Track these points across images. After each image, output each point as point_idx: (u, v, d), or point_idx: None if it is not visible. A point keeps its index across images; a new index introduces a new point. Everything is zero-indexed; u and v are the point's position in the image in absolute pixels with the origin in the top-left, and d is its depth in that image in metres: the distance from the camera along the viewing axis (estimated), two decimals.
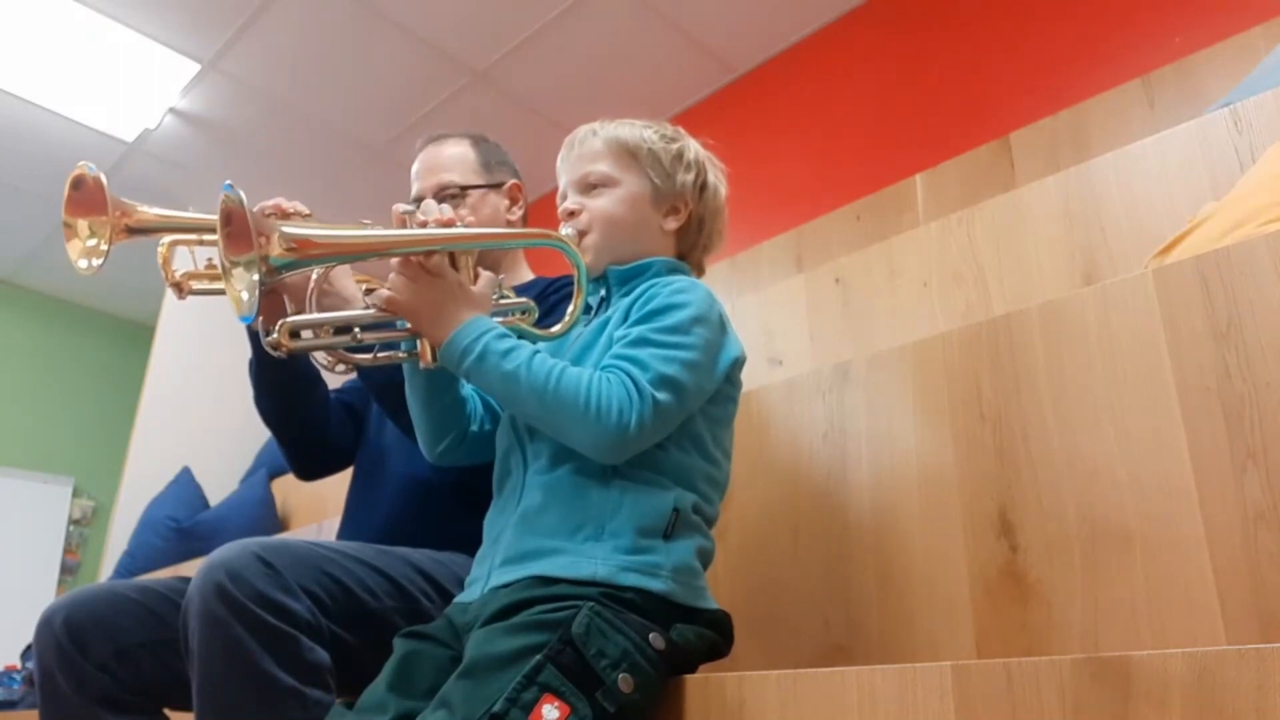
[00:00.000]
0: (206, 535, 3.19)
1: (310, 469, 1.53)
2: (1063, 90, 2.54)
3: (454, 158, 1.51)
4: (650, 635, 0.89)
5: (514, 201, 1.55)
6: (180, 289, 1.19)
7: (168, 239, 1.15)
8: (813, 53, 3.41)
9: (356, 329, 1.02)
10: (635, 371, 0.95)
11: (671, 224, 1.15)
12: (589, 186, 1.14)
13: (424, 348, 1.02)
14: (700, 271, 1.19)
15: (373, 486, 1.44)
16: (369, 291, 1.11)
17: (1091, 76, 2.50)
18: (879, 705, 0.74)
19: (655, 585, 0.92)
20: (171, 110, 3.77)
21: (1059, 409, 1.07)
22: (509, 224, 1.53)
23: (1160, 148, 1.51)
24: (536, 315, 1.11)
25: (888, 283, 1.85)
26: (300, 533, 2.74)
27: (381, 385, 1.27)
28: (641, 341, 0.98)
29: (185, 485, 3.50)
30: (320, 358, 1.09)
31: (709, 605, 0.98)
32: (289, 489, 3.37)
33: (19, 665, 3.40)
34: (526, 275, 1.55)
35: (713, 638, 0.98)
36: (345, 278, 1.20)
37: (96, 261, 1.07)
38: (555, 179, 1.19)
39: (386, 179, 4.03)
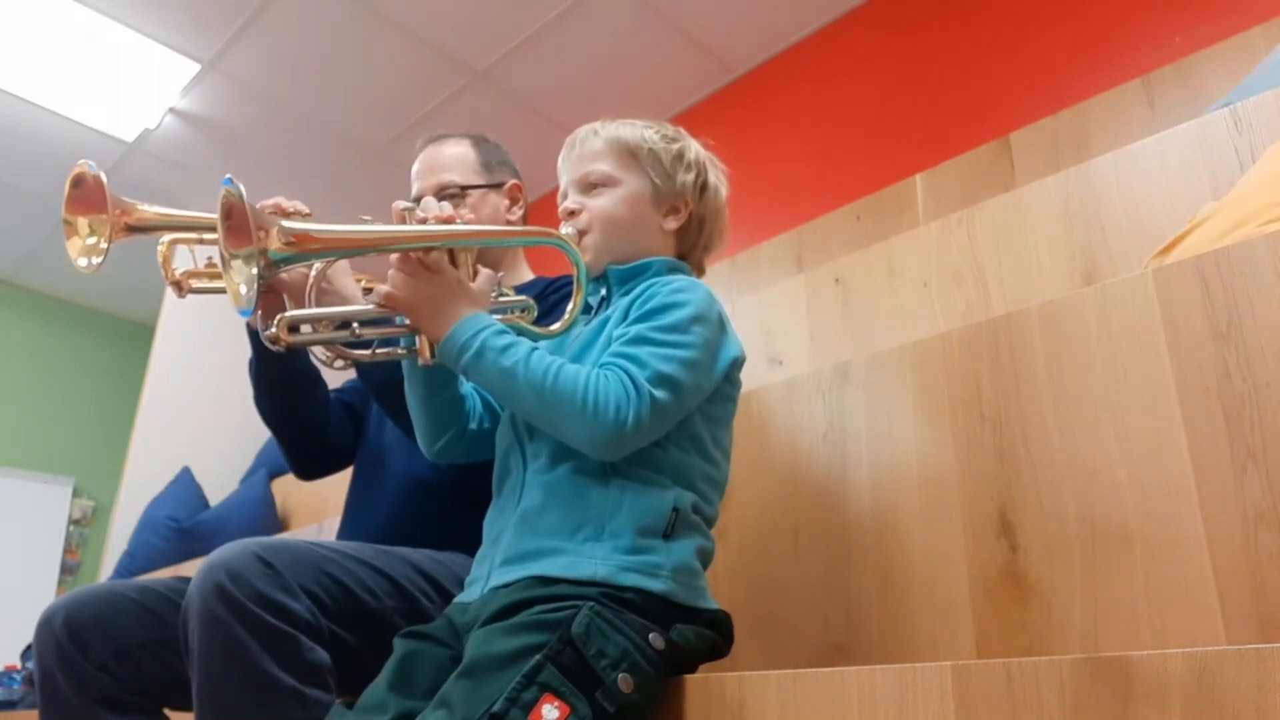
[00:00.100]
0: (206, 535, 3.19)
1: (310, 469, 1.53)
2: (1063, 90, 2.54)
3: (454, 158, 1.51)
4: (650, 635, 0.89)
5: (514, 201, 1.55)
6: (180, 287, 1.19)
7: (167, 237, 1.15)
8: (813, 53, 3.41)
9: (355, 324, 1.03)
10: (633, 369, 0.95)
11: (671, 224, 1.15)
12: (589, 186, 1.14)
13: (422, 344, 1.02)
14: (700, 271, 1.19)
15: (373, 486, 1.44)
16: (369, 291, 1.11)
17: (1091, 76, 2.51)
18: (879, 705, 0.74)
19: (655, 585, 0.92)
20: (171, 110, 3.77)
21: (1059, 409, 1.07)
22: (509, 224, 1.53)
23: (1160, 148, 1.51)
24: (536, 313, 1.11)
25: (888, 283, 1.85)
26: (300, 533, 2.74)
27: (381, 384, 1.27)
28: (640, 340, 0.98)
29: (185, 485, 3.49)
30: (319, 353, 1.09)
31: (709, 605, 0.98)
32: (289, 489, 3.37)
33: (19, 665, 3.40)
34: (526, 275, 1.55)
35: (713, 638, 0.98)
36: (345, 276, 1.20)
37: (96, 260, 1.07)
38: (555, 179, 1.20)
39: (386, 179, 4.03)
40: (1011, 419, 1.11)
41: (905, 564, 1.16)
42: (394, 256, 1.01)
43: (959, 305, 1.70)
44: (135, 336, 4.99)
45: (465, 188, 1.48)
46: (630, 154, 1.14)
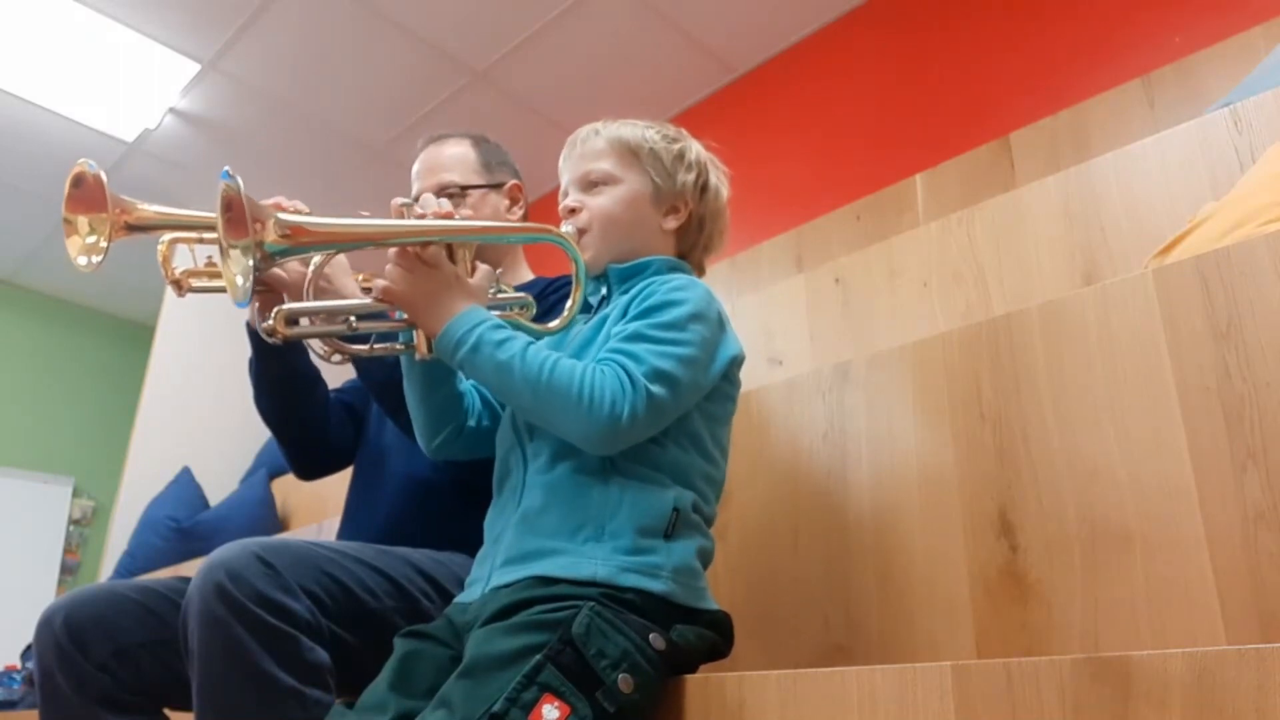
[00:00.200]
0: (206, 535, 3.19)
1: (310, 469, 1.53)
2: (1063, 90, 2.54)
3: (454, 158, 1.51)
4: (650, 635, 0.89)
5: (514, 202, 1.55)
6: (180, 286, 1.19)
7: (167, 237, 1.15)
8: (813, 53, 3.41)
9: (352, 318, 1.03)
10: (629, 364, 0.95)
11: (671, 223, 1.15)
12: (590, 184, 1.14)
13: (419, 339, 1.02)
14: (701, 271, 1.19)
15: (373, 486, 1.44)
16: (368, 290, 1.11)
17: (1091, 76, 2.51)
18: (879, 705, 0.74)
19: (656, 586, 0.92)
20: (171, 110, 3.78)
21: (1059, 409, 1.07)
22: None
23: (1160, 148, 1.51)
24: (534, 310, 1.11)
25: (888, 283, 1.85)
26: (300, 533, 2.74)
27: (381, 384, 1.27)
28: (637, 337, 0.98)
29: (185, 485, 3.49)
30: (317, 347, 1.09)
31: (709, 606, 0.98)
32: (289, 489, 3.37)
33: (19, 665, 3.40)
34: (527, 275, 1.55)
35: (713, 638, 0.98)
36: (345, 275, 1.20)
37: (96, 259, 1.07)
38: (555, 179, 1.20)
39: (386, 179, 4.03)
40: (1011, 419, 1.11)
41: (905, 564, 1.16)
42: (392, 251, 1.02)
43: (959, 305, 1.70)
44: (135, 336, 4.99)
45: (465, 188, 1.48)
46: (631, 153, 1.14)
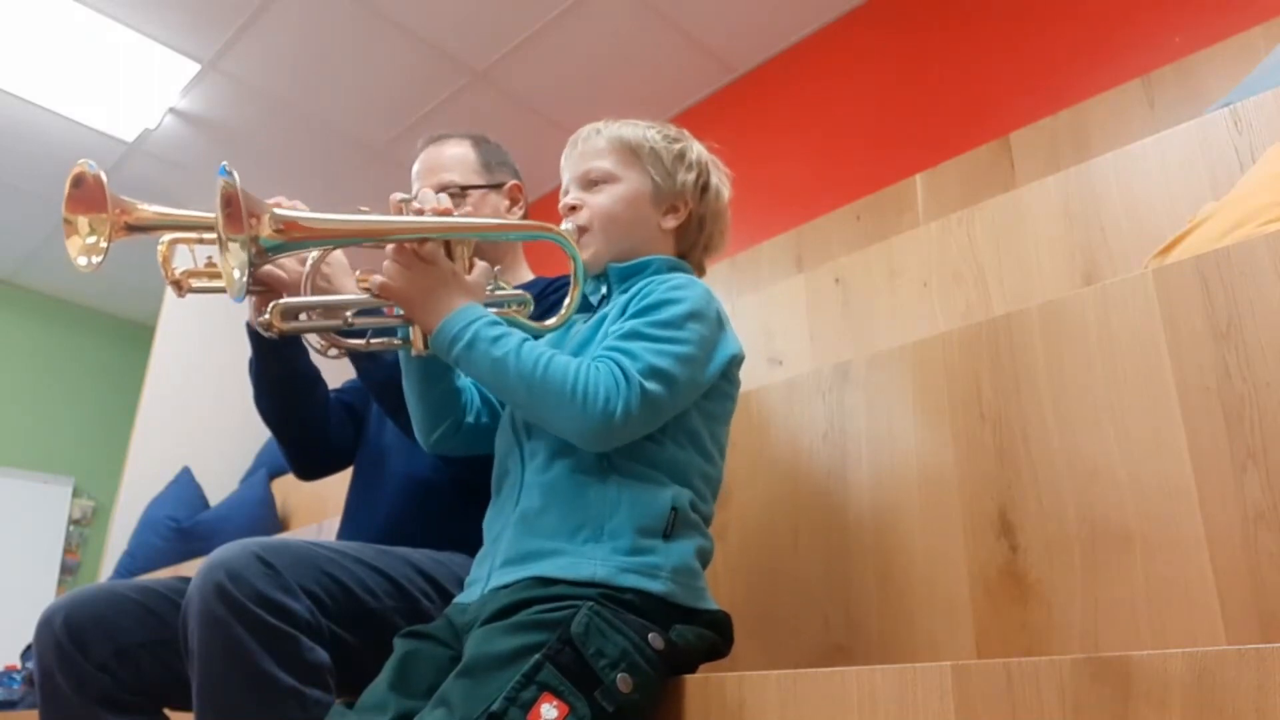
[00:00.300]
0: (206, 535, 3.19)
1: (310, 469, 1.53)
2: (1063, 90, 2.54)
3: (454, 158, 1.51)
4: (649, 635, 0.89)
5: (514, 202, 1.55)
6: (180, 287, 1.19)
7: (167, 237, 1.15)
8: (813, 53, 3.41)
9: (348, 313, 1.03)
10: (625, 361, 0.95)
11: (670, 222, 1.15)
12: (590, 183, 1.14)
13: (416, 335, 1.03)
14: (701, 271, 1.19)
15: (373, 486, 1.44)
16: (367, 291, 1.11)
17: (1091, 76, 2.51)
18: (879, 705, 0.74)
19: (655, 586, 0.92)
20: (171, 110, 3.78)
21: (1059, 409, 1.07)
22: None
23: (1160, 148, 1.51)
24: (532, 308, 1.11)
25: (888, 283, 1.85)
26: (300, 533, 2.74)
27: (381, 384, 1.27)
28: (634, 334, 0.98)
29: (185, 485, 3.49)
30: (313, 340, 1.09)
31: (709, 606, 0.98)
32: (289, 489, 3.37)
33: (19, 665, 3.40)
34: (527, 275, 1.55)
35: (712, 638, 0.98)
36: (344, 275, 1.21)
37: (96, 259, 1.07)
38: (555, 179, 1.20)
39: (386, 179, 4.00)
40: (1011, 419, 1.11)
41: (905, 564, 1.16)
42: (390, 247, 1.02)
43: (959, 305, 1.70)
44: (135, 336, 4.99)
45: (465, 188, 1.48)
46: (631, 152, 1.14)
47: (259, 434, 3.56)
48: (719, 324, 1.05)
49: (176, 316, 3.77)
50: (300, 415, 1.44)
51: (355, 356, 1.26)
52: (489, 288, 1.07)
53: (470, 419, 1.14)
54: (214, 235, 0.95)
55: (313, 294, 1.12)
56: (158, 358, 3.76)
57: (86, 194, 1.06)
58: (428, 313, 1.01)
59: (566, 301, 1.07)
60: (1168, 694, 0.60)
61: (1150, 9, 2.53)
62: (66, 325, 5.31)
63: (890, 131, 3.05)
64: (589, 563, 0.92)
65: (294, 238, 0.94)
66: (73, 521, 5.11)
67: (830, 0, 3.28)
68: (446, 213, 1.04)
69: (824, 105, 3.32)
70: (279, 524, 3.31)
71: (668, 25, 3.37)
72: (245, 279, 0.89)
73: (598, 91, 3.66)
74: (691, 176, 1.16)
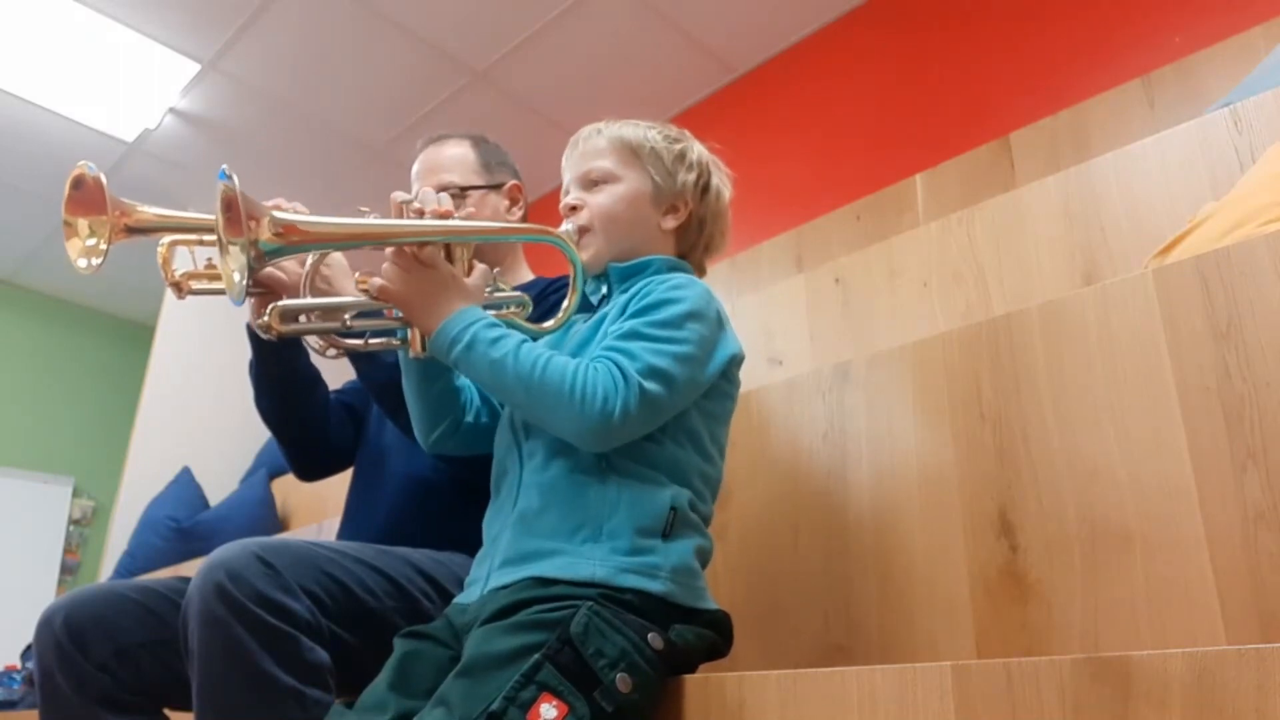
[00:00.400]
0: (206, 535, 3.19)
1: (310, 469, 1.53)
2: (1063, 90, 2.54)
3: (454, 158, 1.51)
4: (649, 635, 0.89)
5: (514, 202, 1.55)
6: (180, 289, 1.19)
7: (167, 239, 1.15)
8: (813, 53, 3.41)
9: (347, 315, 1.03)
10: (623, 361, 0.95)
11: (670, 223, 1.15)
12: (591, 183, 1.14)
13: (414, 337, 1.03)
14: (701, 272, 1.19)
15: (373, 486, 1.44)
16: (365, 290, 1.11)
17: (1091, 76, 2.50)
18: (879, 705, 0.74)
19: (654, 586, 0.92)
20: (171, 110, 3.77)
21: (1059, 409, 1.07)
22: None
23: (1160, 148, 1.51)
24: (531, 310, 1.11)
25: (888, 283, 1.85)
26: (300, 533, 2.74)
27: (381, 385, 1.27)
28: (633, 334, 0.98)
29: (185, 485, 3.50)
30: (312, 340, 1.10)
31: (708, 606, 0.98)
32: (289, 489, 3.37)
33: (19, 665, 3.40)
34: (527, 275, 1.55)
35: (712, 638, 0.98)
36: (344, 277, 1.21)
37: (96, 261, 1.07)
38: (556, 179, 1.20)
39: (386, 179, 3.99)
40: (1011, 419, 1.11)
41: (905, 564, 1.16)
42: (389, 250, 1.02)
43: (959, 305, 1.70)
44: (135, 336, 4.99)
45: (465, 188, 1.48)
46: (632, 152, 1.15)
47: (259, 434, 3.56)
48: (719, 324, 1.05)
49: (176, 316, 3.77)
50: (300, 416, 1.44)
51: (354, 357, 1.26)
52: (488, 290, 1.08)
53: (470, 418, 1.14)
54: (214, 237, 0.95)
55: (312, 295, 1.12)
56: (158, 358, 3.76)
57: (86, 196, 1.07)
58: (427, 315, 1.01)
59: (565, 304, 1.07)
60: (1168, 694, 0.60)
61: (1150, 9, 2.53)
62: (66, 325, 5.31)
63: (890, 131, 3.05)
64: (588, 563, 0.92)
65: (293, 241, 0.94)
66: (73, 521, 5.11)
67: (830, 0, 3.28)
68: (447, 214, 1.04)
69: (824, 105, 3.32)
70: (279, 524, 3.31)
71: (668, 25, 3.37)
72: (245, 282, 0.89)
73: (598, 91, 3.66)
74: (692, 177, 1.16)
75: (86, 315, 5.39)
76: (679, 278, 1.06)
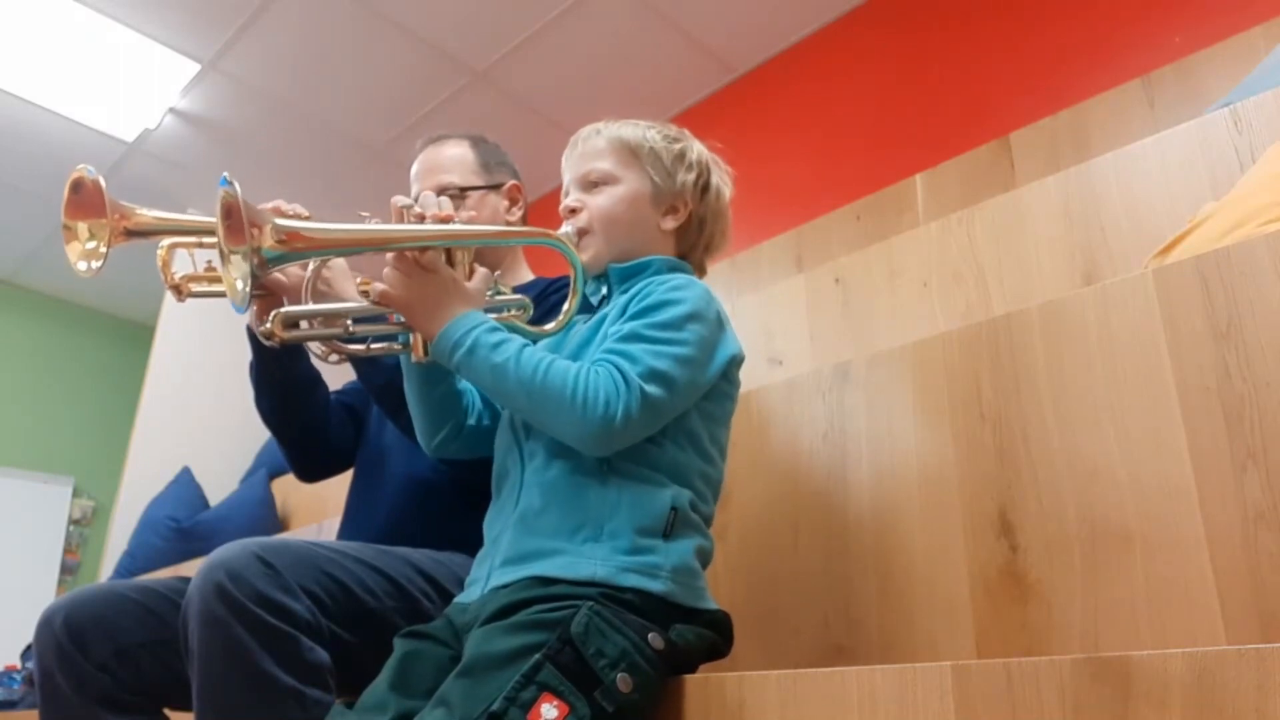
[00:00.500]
0: (206, 535, 3.19)
1: (311, 470, 1.53)
2: (1063, 90, 2.54)
3: (453, 159, 1.51)
4: (649, 635, 0.89)
5: (513, 202, 1.55)
6: (179, 292, 1.19)
7: (167, 241, 1.15)
8: (813, 53, 3.41)
9: (349, 321, 1.03)
10: (624, 364, 0.95)
11: (670, 223, 1.15)
12: (590, 184, 1.14)
13: (416, 341, 1.03)
14: (702, 272, 1.19)
15: (373, 487, 1.44)
16: (366, 294, 1.11)
17: (1091, 76, 2.50)
18: (879, 705, 0.74)
19: (655, 586, 0.92)
20: (171, 110, 3.77)
21: (1059, 409, 1.07)
22: (508, 224, 1.53)
23: (1160, 148, 1.51)
24: (532, 312, 1.12)
25: (888, 283, 1.85)
26: (300, 533, 2.74)
27: (381, 386, 1.27)
28: (633, 337, 0.98)
29: (185, 485, 3.50)
30: (315, 348, 1.10)
31: (709, 606, 0.98)
32: (289, 489, 3.37)
33: (19, 665, 3.40)
34: (527, 275, 1.55)
35: (712, 638, 0.98)
36: (344, 279, 1.21)
37: (96, 264, 1.07)
38: (555, 179, 1.20)
39: (386, 179, 4.02)
40: (1011, 419, 1.11)
41: (905, 564, 1.16)
42: (390, 255, 1.02)
43: (959, 305, 1.70)
44: (135, 336, 4.99)
45: (464, 189, 1.48)
46: (631, 153, 1.14)
47: (259, 434, 3.57)
48: (719, 324, 1.05)
49: (176, 317, 3.77)
50: (301, 417, 1.44)
51: (355, 360, 1.26)
52: (489, 293, 1.08)
53: (472, 421, 1.14)
54: (214, 239, 0.95)
55: (313, 299, 1.12)
56: (158, 358, 3.76)
57: (85, 199, 1.07)
58: (428, 320, 1.01)
59: (565, 306, 1.07)
60: (1168, 694, 0.60)
61: (1150, 9, 2.53)
62: (66, 325, 5.31)
63: (890, 131, 3.05)
64: (589, 562, 0.92)
65: (296, 248, 0.94)
66: (73, 521, 5.11)
67: (830, 0, 3.28)
68: (447, 219, 1.04)
69: (824, 105, 3.32)
70: (279, 524, 3.31)
71: (668, 25, 3.37)
72: (248, 289, 0.89)
73: (598, 91, 3.66)
74: (691, 177, 1.16)
75: (86, 315, 5.39)
76: (679, 278, 1.06)
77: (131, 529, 3.40)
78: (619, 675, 0.84)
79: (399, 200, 1.06)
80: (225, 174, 0.89)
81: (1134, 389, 1.01)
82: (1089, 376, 1.05)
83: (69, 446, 5.14)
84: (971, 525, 1.11)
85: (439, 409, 1.12)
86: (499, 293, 1.10)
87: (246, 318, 1.31)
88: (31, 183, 4.21)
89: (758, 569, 1.32)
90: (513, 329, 1.03)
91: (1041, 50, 2.73)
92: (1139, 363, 1.01)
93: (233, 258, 0.90)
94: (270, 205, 1.16)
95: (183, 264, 1.20)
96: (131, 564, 3.21)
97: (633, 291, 1.06)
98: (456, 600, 1.04)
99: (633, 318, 1.01)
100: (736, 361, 1.08)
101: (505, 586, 0.95)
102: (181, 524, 3.28)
